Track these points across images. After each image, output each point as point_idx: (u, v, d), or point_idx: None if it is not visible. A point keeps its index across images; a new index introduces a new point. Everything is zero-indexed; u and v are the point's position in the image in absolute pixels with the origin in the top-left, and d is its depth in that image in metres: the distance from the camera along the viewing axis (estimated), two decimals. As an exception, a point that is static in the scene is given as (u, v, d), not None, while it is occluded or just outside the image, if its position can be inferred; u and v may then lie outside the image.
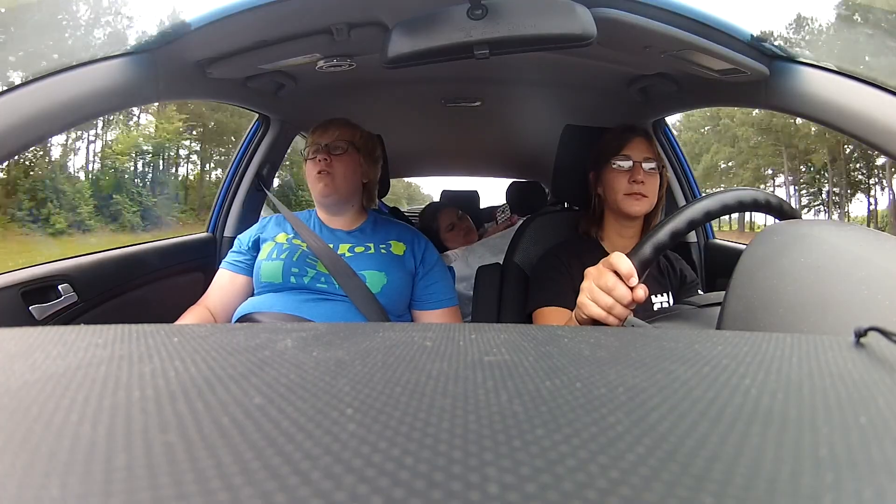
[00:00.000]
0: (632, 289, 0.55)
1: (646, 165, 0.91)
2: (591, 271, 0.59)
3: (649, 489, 0.12)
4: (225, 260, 1.08)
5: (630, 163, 0.91)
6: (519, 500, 0.12)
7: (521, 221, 1.73)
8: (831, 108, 0.75)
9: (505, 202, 2.28)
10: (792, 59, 0.82)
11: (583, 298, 0.58)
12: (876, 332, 0.26)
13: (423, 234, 1.12)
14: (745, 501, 0.12)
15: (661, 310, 0.90)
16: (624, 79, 1.16)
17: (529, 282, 1.00)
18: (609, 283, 0.56)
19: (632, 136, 0.93)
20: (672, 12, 0.78)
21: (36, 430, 0.16)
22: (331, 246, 0.98)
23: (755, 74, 0.85)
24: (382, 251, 1.01)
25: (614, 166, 0.92)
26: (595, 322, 0.57)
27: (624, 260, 0.55)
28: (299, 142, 1.66)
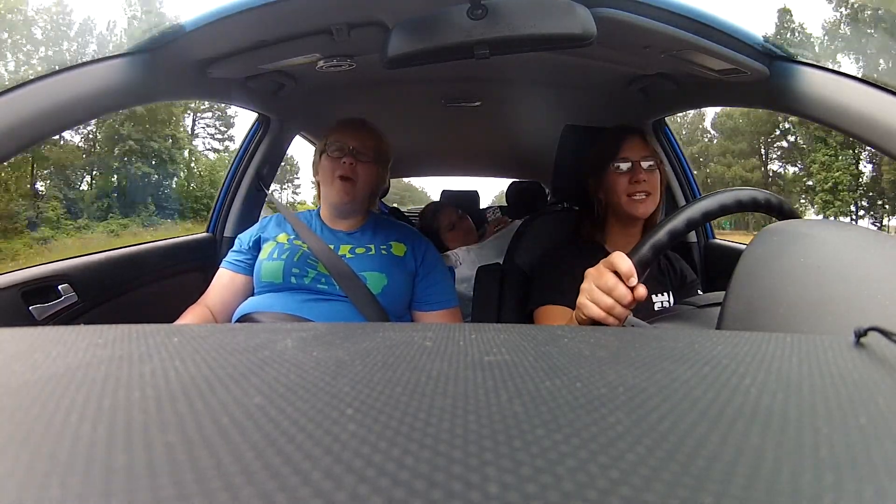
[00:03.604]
0: (632, 289, 0.55)
1: (644, 164, 0.91)
2: (591, 272, 0.59)
3: (649, 489, 0.12)
4: (225, 259, 1.08)
5: (629, 164, 0.91)
6: (519, 500, 0.12)
7: (513, 222, 1.74)
8: (831, 108, 0.75)
9: (496, 204, 2.28)
10: (792, 59, 0.82)
11: (583, 299, 0.58)
12: (876, 332, 0.26)
13: (424, 234, 1.12)
14: (745, 501, 0.12)
15: (662, 309, 0.90)
16: (624, 79, 1.16)
17: (530, 281, 1.00)
18: (609, 283, 0.56)
19: (627, 136, 0.93)
20: (672, 12, 0.78)
21: (36, 430, 0.16)
22: (331, 247, 0.98)
23: (755, 74, 0.85)
24: (383, 252, 1.01)
25: (614, 169, 0.92)
26: (595, 322, 0.57)
27: (624, 260, 0.55)
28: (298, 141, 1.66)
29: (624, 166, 0.91)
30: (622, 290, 0.55)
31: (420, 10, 0.71)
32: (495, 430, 0.16)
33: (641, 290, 0.55)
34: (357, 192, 1.01)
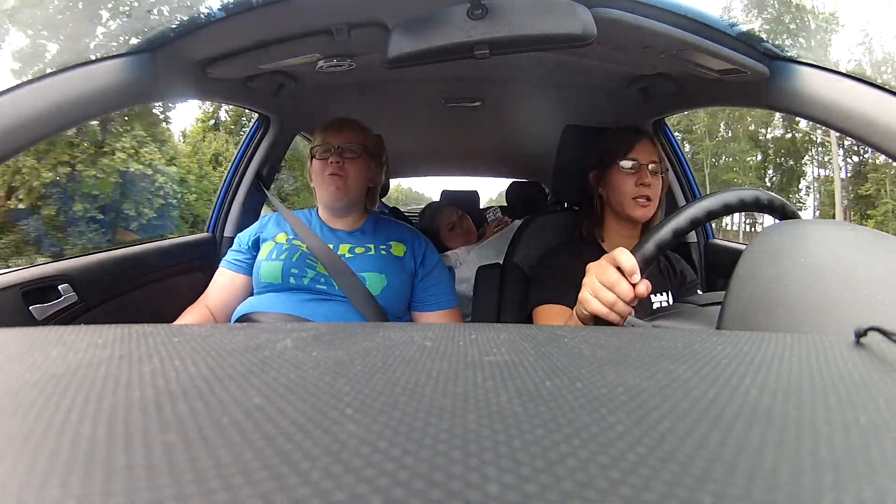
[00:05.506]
0: (634, 285, 0.54)
1: (651, 168, 0.91)
2: (593, 266, 0.58)
3: (649, 489, 0.12)
4: (225, 259, 1.08)
5: (637, 166, 0.91)
6: (519, 499, 0.12)
7: (514, 222, 1.74)
8: (831, 108, 0.75)
9: (496, 205, 2.29)
10: (792, 59, 0.82)
11: (584, 294, 0.58)
12: (876, 332, 0.26)
13: (424, 234, 1.12)
14: (745, 501, 0.12)
15: (661, 308, 0.90)
16: (624, 79, 1.16)
17: (530, 281, 1.00)
18: (612, 278, 0.55)
19: (639, 137, 0.93)
20: (672, 12, 0.78)
21: (36, 430, 0.16)
22: (331, 246, 0.98)
23: (755, 74, 0.85)
24: (383, 252, 1.01)
25: (621, 168, 0.91)
26: (596, 318, 0.57)
27: (627, 255, 0.55)
28: (298, 141, 1.66)
29: (631, 167, 0.91)
30: (624, 287, 0.54)
31: (420, 10, 0.71)
32: (495, 429, 0.16)
33: (643, 287, 0.54)
34: (349, 188, 1.00)
